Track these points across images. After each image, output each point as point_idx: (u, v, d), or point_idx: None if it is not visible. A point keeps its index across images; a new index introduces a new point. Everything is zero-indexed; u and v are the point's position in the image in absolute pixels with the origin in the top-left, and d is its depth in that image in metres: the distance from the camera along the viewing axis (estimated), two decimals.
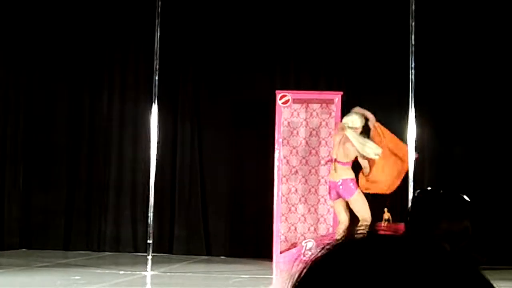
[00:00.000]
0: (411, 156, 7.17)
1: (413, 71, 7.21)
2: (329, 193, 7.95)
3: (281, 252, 8.22)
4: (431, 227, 2.26)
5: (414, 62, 7.21)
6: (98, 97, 9.42)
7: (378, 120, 8.26)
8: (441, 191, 2.51)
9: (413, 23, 7.25)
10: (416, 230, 2.27)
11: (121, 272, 7.12)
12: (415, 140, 7.20)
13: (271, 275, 7.60)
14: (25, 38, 9.37)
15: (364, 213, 7.66)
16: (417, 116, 7.20)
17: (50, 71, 9.44)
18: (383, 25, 8.81)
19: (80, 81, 9.43)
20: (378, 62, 8.85)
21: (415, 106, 7.17)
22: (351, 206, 7.72)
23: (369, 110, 8.85)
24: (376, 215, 8.15)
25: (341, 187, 7.72)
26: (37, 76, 9.45)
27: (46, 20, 9.40)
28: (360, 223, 7.64)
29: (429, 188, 2.88)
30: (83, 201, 9.31)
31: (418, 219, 2.34)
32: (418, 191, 2.62)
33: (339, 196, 7.76)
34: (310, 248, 8.31)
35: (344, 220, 7.81)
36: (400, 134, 7.93)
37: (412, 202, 2.53)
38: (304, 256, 8.23)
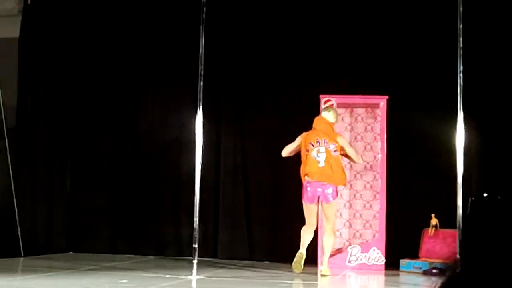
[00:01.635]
0: (459, 160, 7.03)
1: (461, 75, 7.08)
2: (310, 195, 7.67)
3: None
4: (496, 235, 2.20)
5: (463, 66, 7.08)
6: (143, 103, 9.51)
7: (422, 124, 8.15)
8: (499, 197, 2.45)
9: (461, 25, 7.12)
10: (479, 238, 2.21)
11: (167, 276, 7.16)
12: (464, 145, 7.06)
13: (316, 280, 7.54)
14: (74, 45, 9.54)
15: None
16: (465, 121, 7.06)
17: (96, 76, 9.59)
18: (430, 28, 8.68)
19: (124, 87, 9.54)
20: (425, 65, 8.72)
21: (463, 111, 7.03)
22: (332, 210, 7.62)
23: (416, 114, 8.73)
24: (424, 221, 8.02)
25: (331, 189, 7.63)
26: (83, 81, 9.60)
27: (93, 29, 9.55)
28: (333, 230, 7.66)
29: (485, 194, 2.81)
30: (128, 205, 9.41)
31: (480, 227, 2.28)
32: (473, 197, 2.57)
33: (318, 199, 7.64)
34: (355, 254, 8.23)
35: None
36: (449, 138, 7.80)
37: (470, 208, 2.47)
38: (349, 262, 8.16)
